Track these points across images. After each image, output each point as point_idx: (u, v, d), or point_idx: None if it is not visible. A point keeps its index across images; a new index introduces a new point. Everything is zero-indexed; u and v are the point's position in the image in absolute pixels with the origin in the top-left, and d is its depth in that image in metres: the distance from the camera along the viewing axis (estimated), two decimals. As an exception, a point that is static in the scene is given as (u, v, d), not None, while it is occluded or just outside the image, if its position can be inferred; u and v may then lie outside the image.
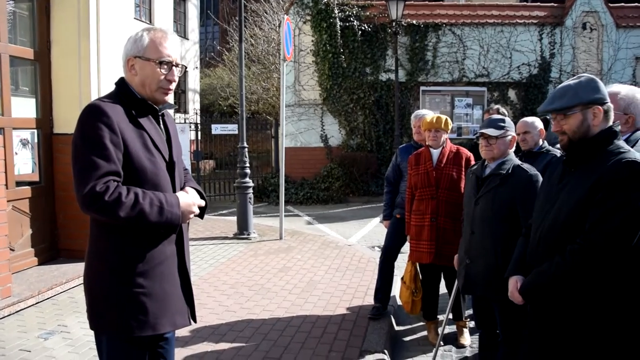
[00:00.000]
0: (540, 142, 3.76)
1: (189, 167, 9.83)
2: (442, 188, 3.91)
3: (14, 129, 5.10)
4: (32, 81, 5.54)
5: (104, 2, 5.56)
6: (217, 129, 13.34)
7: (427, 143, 4.08)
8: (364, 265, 6.04)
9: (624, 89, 2.62)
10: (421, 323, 4.47)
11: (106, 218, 1.88)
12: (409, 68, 13.01)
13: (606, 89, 2.13)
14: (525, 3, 14.77)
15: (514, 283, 2.29)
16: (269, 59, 16.72)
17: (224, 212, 10.85)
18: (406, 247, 4.30)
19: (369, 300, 4.67)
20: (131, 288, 1.95)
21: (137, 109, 2.03)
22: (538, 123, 3.75)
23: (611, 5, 13.07)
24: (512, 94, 13.26)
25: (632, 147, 2.19)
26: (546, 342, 2.09)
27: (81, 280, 4.91)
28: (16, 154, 5.15)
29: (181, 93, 21.84)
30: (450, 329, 4.21)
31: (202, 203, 2.19)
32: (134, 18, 16.53)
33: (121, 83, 2.08)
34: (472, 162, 3.87)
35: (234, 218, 8.00)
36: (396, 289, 4.80)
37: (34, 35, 5.40)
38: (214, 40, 31.84)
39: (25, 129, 5.30)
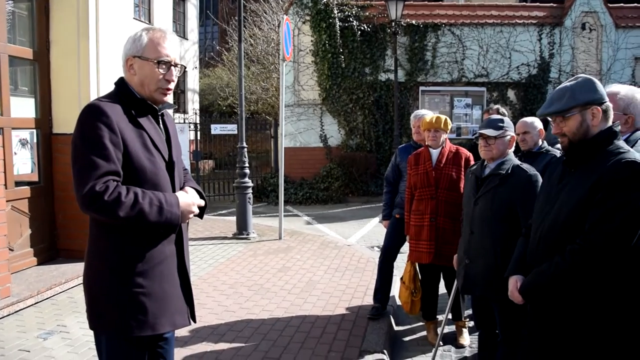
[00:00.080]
0: (540, 142, 3.77)
1: (188, 167, 9.82)
2: (441, 188, 3.91)
3: (13, 128, 5.10)
4: (31, 81, 5.53)
5: (103, 2, 5.56)
6: (216, 129, 13.35)
7: (426, 143, 4.08)
8: (363, 265, 6.04)
9: (624, 89, 2.62)
10: (420, 323, 4.47)
11: (106, 218, 1.88)
12: (409, 68, 13.01)
13: (605, 89, 2.13)
14: (524, 3, 14.79)
15: (514, 283, 2.29)
16: (269, 59, 16.71)
17: (223, 212, 10.85)
18: (405, 247, 4.30)
19: (368, 300, 4.67)
20: (131, 288, 1.95)
21: (136, 108, 2.03)
22: (537, 123, 3.75)
23: (610, 5, 13.08)
24: (511, 94, 13.27)
25: (631, 147, 2.19)
26: (546, 341, 2.09)
27: (80, 280, 4.90)
28: (15, 154, 5.15)
29: (180, 93, 21.83)
30: (449, 329, 4.21)
31: (202, 203, 2.19)
32: (133, 18, 16.53)
33: (121, 83, 2.08)
34: (472, 162, 3.87)
35: (233, 218, 8.00)
36: (395, 289, 4.80)
37: (33, 35, 5.40)
38: (213, 40, 31.86)
39: (25, 129, 5.30)
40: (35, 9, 5.37)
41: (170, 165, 2.10)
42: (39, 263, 5.36)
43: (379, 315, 4.35)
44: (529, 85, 13.11)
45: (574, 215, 1.98)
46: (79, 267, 5.16)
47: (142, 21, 18.22)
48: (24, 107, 5.40)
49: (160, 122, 2.14)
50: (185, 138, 12.11)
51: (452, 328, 4.23)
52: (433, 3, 13.75)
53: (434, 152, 4.02)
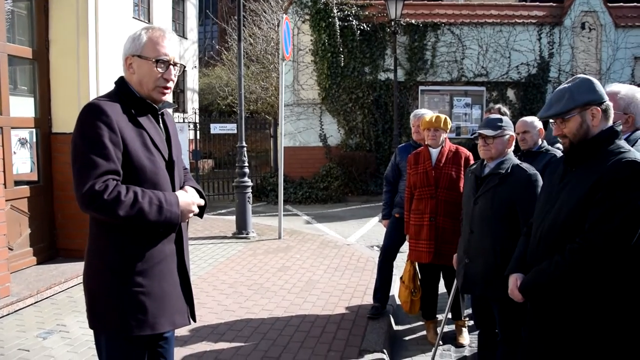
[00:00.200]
0: (540, 141, 3.77)
1: (188, 166, 9.82)
2: (441, 187, 3.90)
3: (13, 128, 5.09)
4: (30, 80, 5.53)
5: (102, 1, 5.56)
6: (215, 128, 13.34)
7: (426, 142, 4.08)
8: (363, 264, 6.04)
9: (624, 89, 2.63)
10: (420, 322, 4.47)
11: (105, 217, 1.88)
12: (408, 67, 13.01)
13: (605, 89, 2.13)
14: (524, 3, 14.78)
15: (514, 281, 2.30)
16: (268, 58, 16.69)
17: (222, 211, 10.85)
18: (405, 247, 4.30)
19: (368, 299, 4.67)
20: (130, 287, 1.95)
21: (136, 107, 2.03)
22: (537, 123, 3.75)
23: (610, 5, 13.08)
24: (510, 93, 13.27)
25: (632, 146, 2.19)
26: (546, 340, 2.09)
27: (80, 279, 4.91)
28: (15, 153, 5.15)
29: (180, 92, 21.82)
30: (449, 328, 4.21)
31: (202, 202, 2.19)
32: (133, 17, 16.53)
33: (121, 82, 2.08)
34: (472, 162, 3.87)
35: (233, 217, 8.00)
36: (395, 289, 4.80)
37: (32, 34, 5.39)
38: (212, 40, 31.83)
39: (24, 128, 5.30)
40: (34, 8, 5.36)
41: (170, 164, 2.10)
42: (39, 262, 5.36)
43: (379, 314, 4.35)
44: (529, 85, 13.12)
45: (574, 214, 1.98)
46: (78, 267, 5.16)
47: (141, 20, 18.20)
48: (23, 107, 5.39)
49: (160, 122, 2.14)
50: (184, 137, 12.11)
51: (452, 327, 4.23)
52: (432, 2, 13.75)
53: (434, 152, 4.02)
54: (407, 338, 4.35)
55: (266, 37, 16.78)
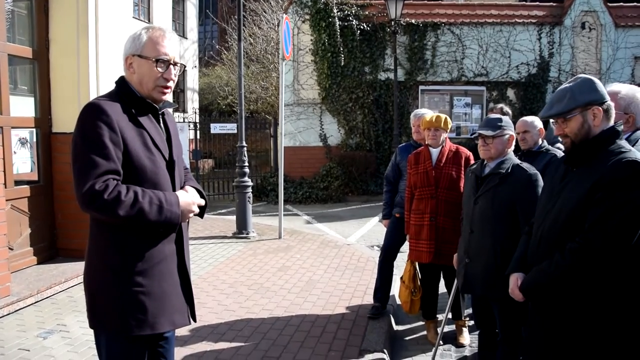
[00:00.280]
0: (540, 141, 3.77)
1: (188, 166, 9.82)
2: (441, 187, 3.90)
3: (13, 128, 5.09)
4: (30, 80, 5.53)
5: (102, 1, 5.55)
6: (216, 128, 13.35)
7: (426, 142, 4.08)
8: (363, 264, 6.04)
9: (624, 89, 2.62)
10: (420, 322, 4.47)
11: (105, 216, 1.88)
12: (408, 67, 13.01)
13: (606, 88, 2.13)
14: (524, 2, 14.78)
15: (514, 280, 2.30)
16: (268, 58, 16.69)
17: (223, 211, 10.85)
18: (405, 247, 4.30)
19: (368, 299, 4.67)
20: (130, 287, 1.95)
21: (136, 107, 2.03)
22: (537, 122, 3.75)
23: (610, 4, 13.08)
24: (511, 93, 13.27)
25: (632, 146, 2.19)
26: (547, 339, 2.09)
27: (80, 279, 4.91)
28: (15, 153, 5.15)
29: (180, 92, 21.81)
30: (449, 328, 4.21)
31: (202, 202, 2.19)
32: (133, 17, 16.54)
33: (121, 82, 2.08)
34: (472, 162, 3.87)
35: (233, 217, 8.00)
36: (395, 289, 4.80)
37: (32, 34, 5.39)
38: (212, 40, 31.83)
39: (24, 128, 5.29)
40: (34, 7, 5.36)
41: (170, 164, 2.10)
42: (39, 262, 5.36)
43: (379, 314, 4.35)
44: (529, 85, 13.11)
45: (574, 214, 1.98)
46: (78, 266, 5.16)
47: (141, 20, 18.20)
48: (23, 106, 5.39)
49: (161, 121, 2.14)
50: (184, 137, 12.11)
51: (452, 327, 4.23)
52: (432, 2, 13.74)
53: (434, 152, 4.01)
54: (407, 338, 4.34)
55: (266, 36, 16.77)
